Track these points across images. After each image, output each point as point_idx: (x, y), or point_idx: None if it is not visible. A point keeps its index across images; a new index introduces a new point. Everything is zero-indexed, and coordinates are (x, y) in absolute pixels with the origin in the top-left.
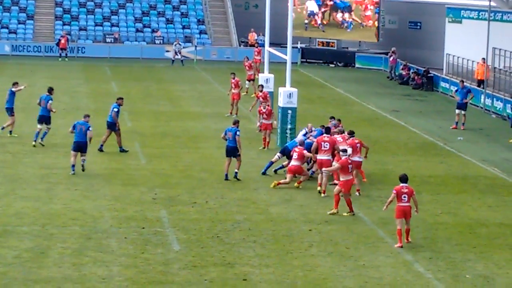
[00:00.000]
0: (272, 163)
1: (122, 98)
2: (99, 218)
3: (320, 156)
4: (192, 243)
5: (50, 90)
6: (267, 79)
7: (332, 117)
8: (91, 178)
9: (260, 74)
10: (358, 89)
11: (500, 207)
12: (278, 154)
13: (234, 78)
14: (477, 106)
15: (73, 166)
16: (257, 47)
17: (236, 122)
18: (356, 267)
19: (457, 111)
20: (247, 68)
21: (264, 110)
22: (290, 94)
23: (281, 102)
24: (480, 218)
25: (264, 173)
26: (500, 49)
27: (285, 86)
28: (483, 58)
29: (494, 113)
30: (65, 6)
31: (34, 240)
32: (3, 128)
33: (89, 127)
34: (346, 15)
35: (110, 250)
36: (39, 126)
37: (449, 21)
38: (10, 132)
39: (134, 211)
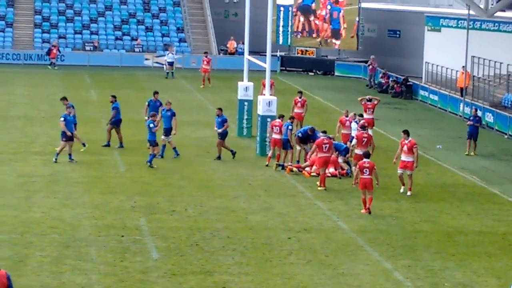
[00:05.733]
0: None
1: (157, 92)
2: (78, 226)
3: (357, 151)
4: (171, 251)
5: (155, 94)
6: (246, 87)
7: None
8: (70, 186)
9: (239, 83)
10: (337, 97)
11: (479, 215)
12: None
13: (301, 98)
14: (456, 115)
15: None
16: (206, 57)
17: (291, 118)
18: (335, 275)
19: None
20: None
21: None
22: (269, 102)
23: (261, 110)
24: (459, 226)
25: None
26: (479, 58)
27: (264, 95)
28: (463, 67)
29: None
30: (44, 14)
31: (13, 248)
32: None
33: None
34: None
35: (89, 259)
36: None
37: (428, 30)
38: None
39: (113, 219)
